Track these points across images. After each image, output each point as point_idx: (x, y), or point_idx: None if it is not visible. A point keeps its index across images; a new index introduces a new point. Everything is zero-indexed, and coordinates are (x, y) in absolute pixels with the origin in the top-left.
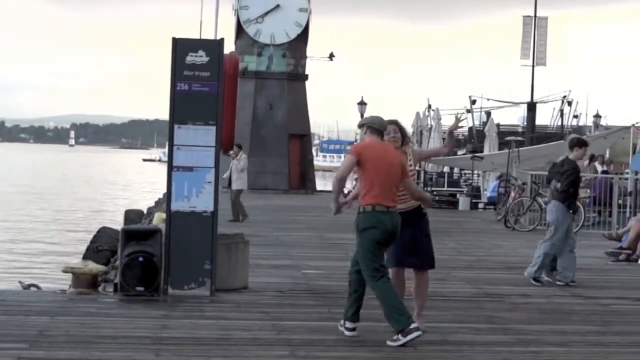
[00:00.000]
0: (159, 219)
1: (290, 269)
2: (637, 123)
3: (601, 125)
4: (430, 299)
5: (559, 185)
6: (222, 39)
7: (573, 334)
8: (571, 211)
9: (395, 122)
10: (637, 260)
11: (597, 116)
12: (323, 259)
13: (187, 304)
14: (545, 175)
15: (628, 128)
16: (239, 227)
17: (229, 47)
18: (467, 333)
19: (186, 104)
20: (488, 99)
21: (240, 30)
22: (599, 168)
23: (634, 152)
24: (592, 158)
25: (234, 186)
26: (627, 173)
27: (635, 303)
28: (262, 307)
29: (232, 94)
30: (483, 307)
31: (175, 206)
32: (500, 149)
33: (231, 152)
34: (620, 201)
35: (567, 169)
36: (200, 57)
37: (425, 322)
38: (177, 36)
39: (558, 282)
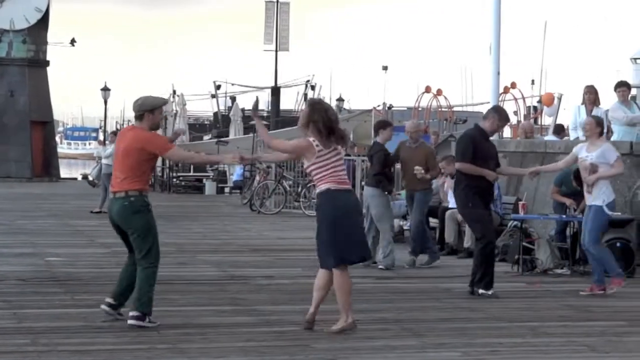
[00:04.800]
0: None
1: (33, 257)
2: (377, 106)
3: (344, 109)
4: (174, 282)
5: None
6: None
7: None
8: (386, 192)
9: None
10: None
11: (340, 100)
12: (67, 246)
13: None
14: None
15: (369, 111)
16: None
17: None
18: (211, 315)
19: None
20: (233, 84)
21: None
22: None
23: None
24: None
25: None
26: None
27: (376, 282)
28: (2, 296)
29: None
30: (227, 289)
31: None
32: (245, 133)
33: None
34: (363, 183)
35: (375, 152)
36: None
37: (167, 307)
38: None
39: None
